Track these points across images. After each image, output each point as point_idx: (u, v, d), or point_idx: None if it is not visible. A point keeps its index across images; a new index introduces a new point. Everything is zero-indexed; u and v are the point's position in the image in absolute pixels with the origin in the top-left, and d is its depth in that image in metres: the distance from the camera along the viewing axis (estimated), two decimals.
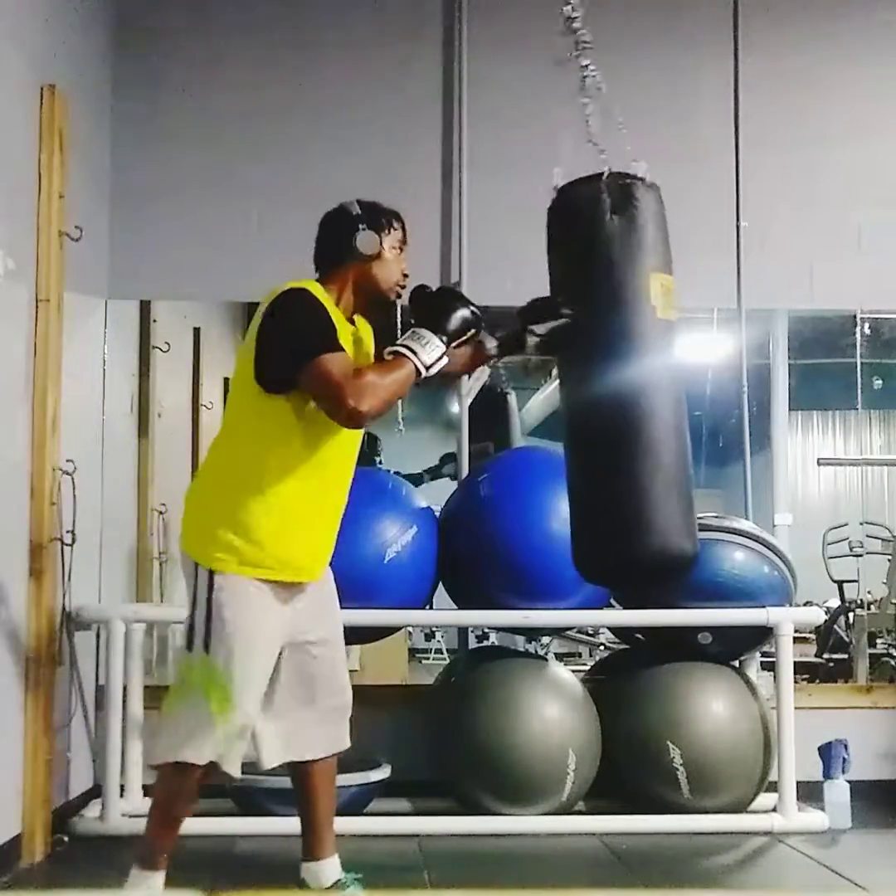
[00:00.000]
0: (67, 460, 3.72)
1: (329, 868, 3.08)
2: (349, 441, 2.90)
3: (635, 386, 2.83)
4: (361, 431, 2.90)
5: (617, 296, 2.93)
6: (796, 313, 6.30)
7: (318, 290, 2.87)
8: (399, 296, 2.92)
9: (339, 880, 3.07)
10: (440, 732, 4.16)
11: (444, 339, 2.71)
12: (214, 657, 2.75)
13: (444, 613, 4.60)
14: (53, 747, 3.66)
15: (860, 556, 6.88)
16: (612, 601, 4.34)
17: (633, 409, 2.86)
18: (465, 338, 2.77)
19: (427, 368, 2.68)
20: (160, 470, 5.33)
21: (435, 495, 4.70)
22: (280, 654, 2.89)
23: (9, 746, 3.45)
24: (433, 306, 2.77)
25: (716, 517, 4.39)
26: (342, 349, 2.72)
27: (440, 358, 2.70)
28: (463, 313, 2.75)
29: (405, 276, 2.93)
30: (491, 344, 2.95)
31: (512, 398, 5.33)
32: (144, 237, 4.63)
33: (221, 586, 2.75)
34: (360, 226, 2.91)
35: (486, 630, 6.41)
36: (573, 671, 4.38)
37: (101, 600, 4.27)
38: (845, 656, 6.69)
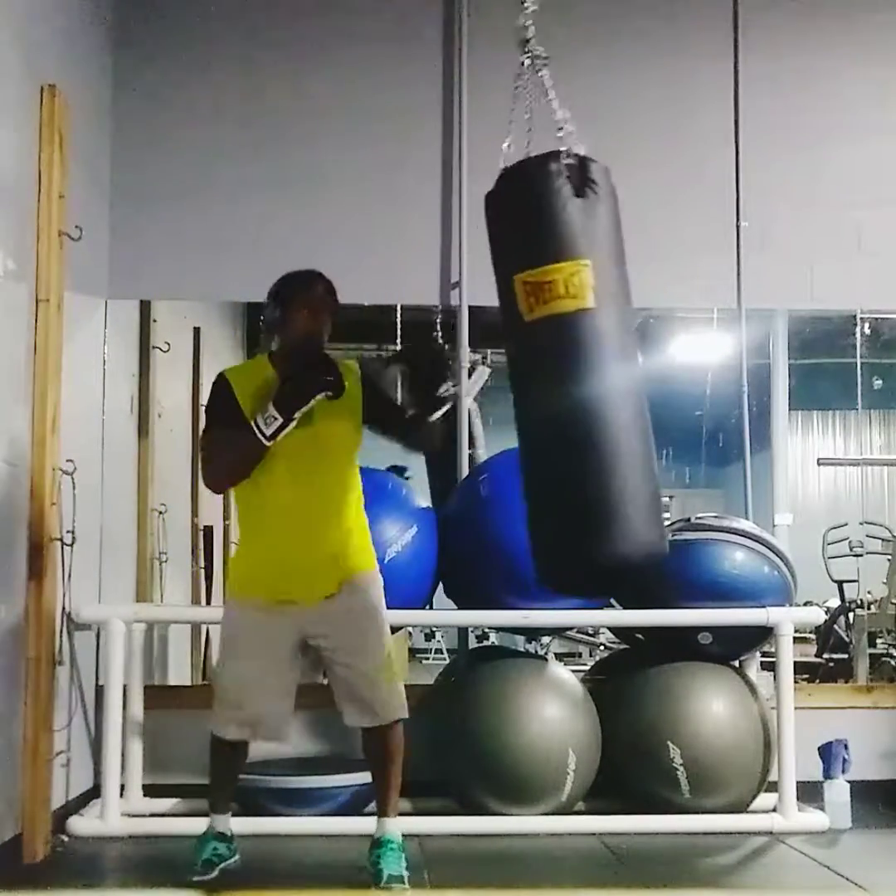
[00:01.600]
0: (67, 460, 3.72)
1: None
2: (298, 470, 3.21)
3: (583, 382, 2.79)
4: (313, 461, 3.22)
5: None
6: (796, 313, 6.30)
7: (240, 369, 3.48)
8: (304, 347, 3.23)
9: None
10: (440, 732, 4.15)
11: (281, 412, 3.11)
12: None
13: (444, 613, 4.60)
14: (53, 747, 3.66)
15: (860, 556, 6.88)
16: (612, 601, 4.34)
17: (587, 409, 2.78)
18: (305, 408, 3.13)
19: (267, 438, 3.12)
20: (160, 470, 5.33)
21: None
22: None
23: (9, 746, 3.45)
24: (292, 382, 3.15)
25: (716, 517, 4.39)
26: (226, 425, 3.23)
27: (280, 428, 3.11)
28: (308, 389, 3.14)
29: (307, 332, 3.25)
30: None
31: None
32: (144, 237, 4.63)
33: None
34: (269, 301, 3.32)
35: (486, 630, 6.42)
36: (573, 671, 4.39)
37: (101, 600, 4.27)
38: (845, 656, 6.69)
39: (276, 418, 3.11)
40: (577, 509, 2.77)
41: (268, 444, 3.13)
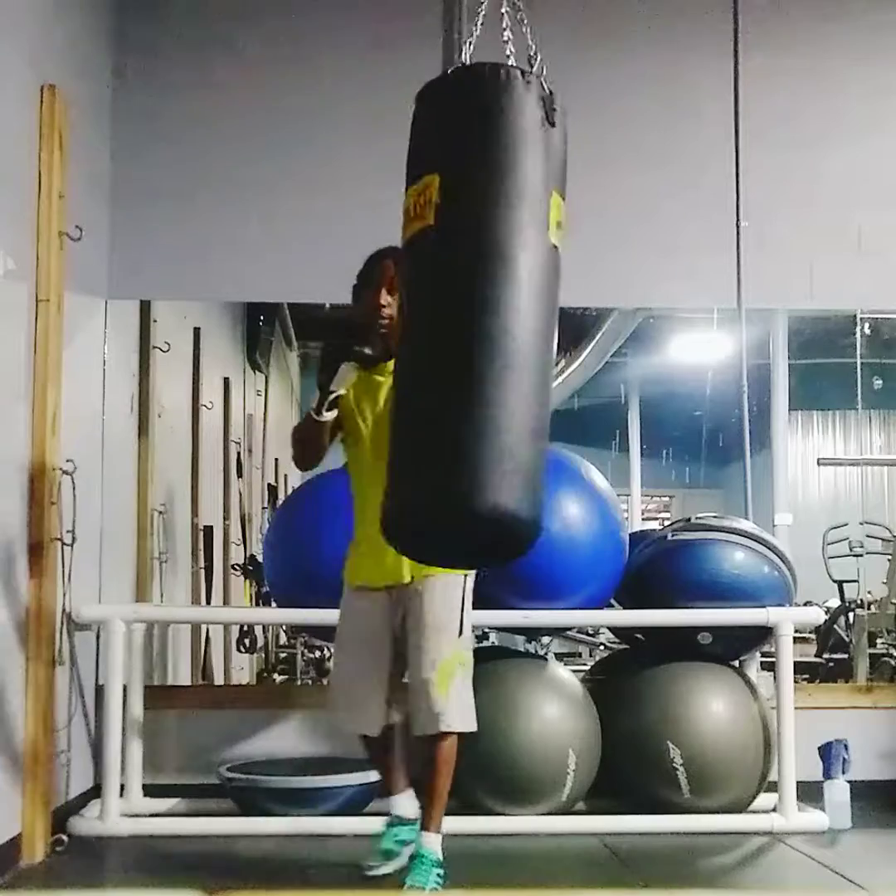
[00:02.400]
0: (67, 460, 3.72)
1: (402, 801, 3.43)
2: (379, 456, 2.98)
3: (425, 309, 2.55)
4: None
5: None
6: (796, 313, 6.31)
7: None
8: (381, 325, 3.20)
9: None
10: None
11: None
12: None
13: None
14: (53, 747, 3.66)
15: (860, 556, 6.88)
16: (613, 601, 4.35)
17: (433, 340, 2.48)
18: (339, 379, 3.15)
19: (316, 412, 3.17)
20: (160, 470, 5.33)
21: None
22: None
23: (9, 746, 3.45)
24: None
25: (716, 517, 4.39)
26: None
27: (321, 400, 3.15)
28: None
29: (380, 307, 3.20)
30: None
31: None
32: (144, 237, 4.63)
33: None
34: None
35: (486, 630, 6.41)
36: (573, 671, 4.39)
37: (101, 600, 4.27)
38: (845, 656, 6.69)
39: (319, 392, 3.14)
40: (416, 455, 2.48)
41: (318, 418, 3.16)
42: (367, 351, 3.12)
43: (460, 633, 3.21)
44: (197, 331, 6.43)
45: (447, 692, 3.15)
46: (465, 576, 3.26)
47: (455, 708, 3.16)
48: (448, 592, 3.22)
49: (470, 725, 3.22)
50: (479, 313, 2.47)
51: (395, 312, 3.05)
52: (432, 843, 3.19)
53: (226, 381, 7.59)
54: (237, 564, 7.29)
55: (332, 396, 3.15)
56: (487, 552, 2.63)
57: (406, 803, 3.41)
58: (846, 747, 4.09)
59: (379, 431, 3.14)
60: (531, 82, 2.71)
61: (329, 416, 3.19)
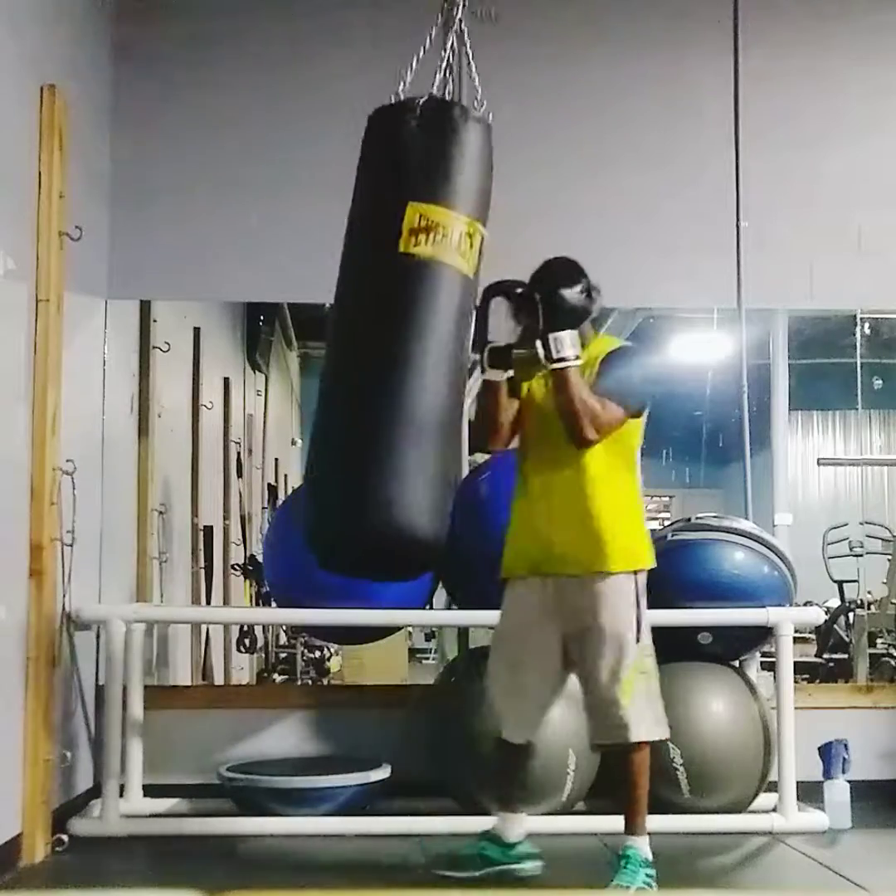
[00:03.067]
0: (67, 460, 3.72)
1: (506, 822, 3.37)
2: (550, 450, 3.17)
3: (414, 339, 2.68)
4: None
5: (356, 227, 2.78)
6: (796, 313, 6.31)
7: None
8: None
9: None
10: (440, 732, 4.15)
11: None
12: None
13: (444, 613, 4.60)
14: (53, 747, 3.66)
15: (860, 556, 6.88)
16: None
17: (401, 367, 2.64)
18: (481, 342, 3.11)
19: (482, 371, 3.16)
20: (160, 470, 5.33)
21: None
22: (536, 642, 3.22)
23: (9, 746, 3.45)
24: None
25: (716, 517, 4.39)
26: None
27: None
28: None
29: None
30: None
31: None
32: (144, 237, 4.62)
33: None
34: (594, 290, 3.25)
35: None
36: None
37: (101, 600, 4.27)
38: (845, 656, 6.69)
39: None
40: (346, 470, 2.63)
41: (484, 376, 3.14)
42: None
43: (639, 638, 3.14)
44: (197, 331, 6.43)
45: (631, 702, 3.10)
46: (636, 572, 3.17)
47: (641, 718, 3.12)
48: (620, 595, 3.14)
49: (660, 734, 3.19)
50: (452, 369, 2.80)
51: None
52: (638, 844, 3.16)
53: (226, 381, 7.59)
54: (237, 564, 7.29)
55: (489, 347, 3.05)
56: (391, 566, 2.91)
57: (509, 826, 3.36)
58: (846, 747, 4.09)
59: (536, 425, 3.21)
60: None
61: (495, 375, 3.12)
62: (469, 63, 3.10)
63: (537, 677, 3.26)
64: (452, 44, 3.05)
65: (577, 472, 3.16)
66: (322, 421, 2.80)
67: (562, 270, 3.22)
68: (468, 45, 3.12)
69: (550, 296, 3.11)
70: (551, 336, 3.04)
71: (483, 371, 3.13)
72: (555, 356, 3.04)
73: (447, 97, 3.01)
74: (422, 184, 2.70)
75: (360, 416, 2.62)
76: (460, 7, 3.09)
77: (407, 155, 2.74)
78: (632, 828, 3.19)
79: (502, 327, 3.10)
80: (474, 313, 3.02)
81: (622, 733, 3.12)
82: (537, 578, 3.22)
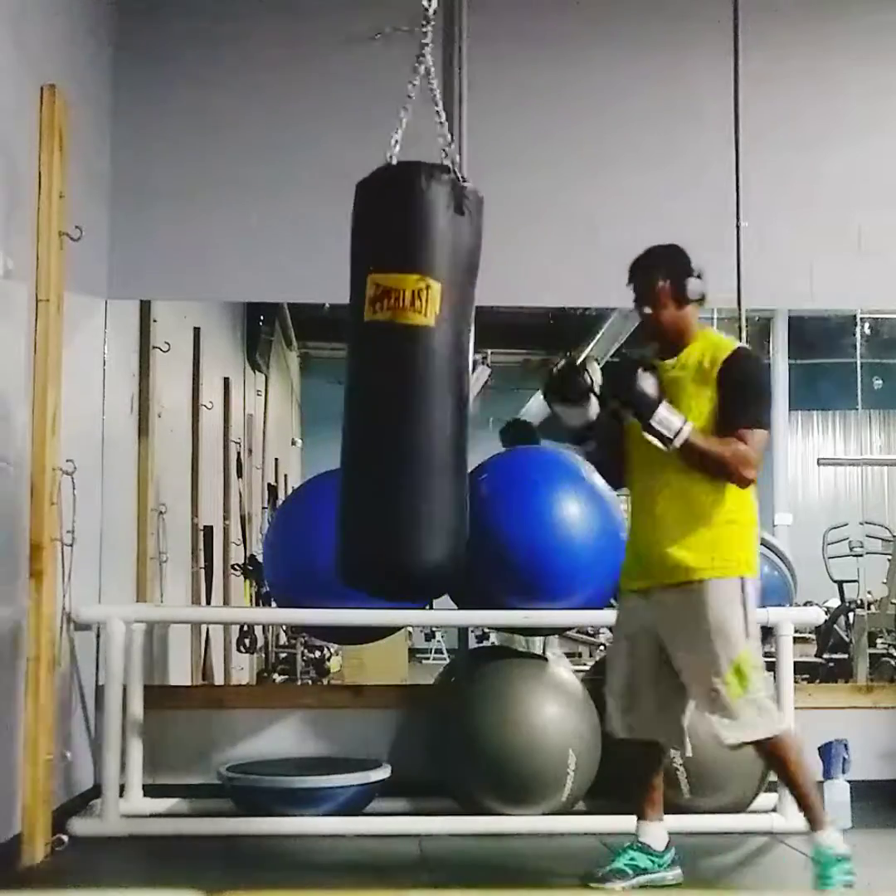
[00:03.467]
0: (67, 460, 3.72)
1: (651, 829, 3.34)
2: (648, 461, 3.20)
3: (407, 395, 2.96)
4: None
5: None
6: (796, 313, 6.31)
7: None
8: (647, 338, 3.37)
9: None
10: (440, 732, 4.15)
11: None
12: None
13: (444, 613, 4.60)
14: (53, 747, 3.66)
15: (860, 556, 6.89)
16: (613, 601, 4.34)
17: (403, 424, 2.95)
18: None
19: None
20: (160, 470, 5.33)
21: None
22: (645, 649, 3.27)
23: (9, 746, 3.45)
24: None
25: None
26: None
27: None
28: None
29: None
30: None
31: None
32: (144, 237, 4.62)
33: None
34: (695, 272, 3.28)
35: (486, 630, 6.42)
36: (573, 671, 4.38)
37: (101, 600, 4.27)
38: (845, 656, 6.69)
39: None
40: (373, 518, 2.96)
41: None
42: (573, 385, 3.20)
43: (747, 634, 3.14)
44: (197, 331, 6.44)
45: (742, 699, 3.11)
46: (743, 577, 3.15)
47: (754, 714, 3.13)
48: (724, 598, 3.13)
49: (778, 726, 3.18)
50: (453, 409, 3.04)
51: (661, 322, 3.25)
52: (825, 841, 3.14)
53: (226, 381, 7.60)
54: (237, 564, 7.30)
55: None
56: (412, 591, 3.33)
57: (654, 832, 3.33)
58: (846, 747, 4.09)
59: (640, 439, 3.17)
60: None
61: (586, 448, 3.34)
62: (437, 111, 3.25)
63: (650, 681, 3.26)
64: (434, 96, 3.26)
65: (679, 489, 3.17)
66: (345, 463, 3.10)
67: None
68: (437, 95, 3.28)
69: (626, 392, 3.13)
70: (654, 423, 3.07)
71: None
72: (671, 438, 3.07)
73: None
74: (377, 254, 2.96)
75: (376, 458, 2.99)
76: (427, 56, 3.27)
77: (365, 226, 3.02)
78: (812, 824, 3.18)
79: None
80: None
81: (734, 732, 3.15)
82: (645, 591, 3.26)
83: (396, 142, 3.16)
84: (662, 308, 3.24)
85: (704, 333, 3.28)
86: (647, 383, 3.09)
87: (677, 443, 3.07)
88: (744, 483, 3.13)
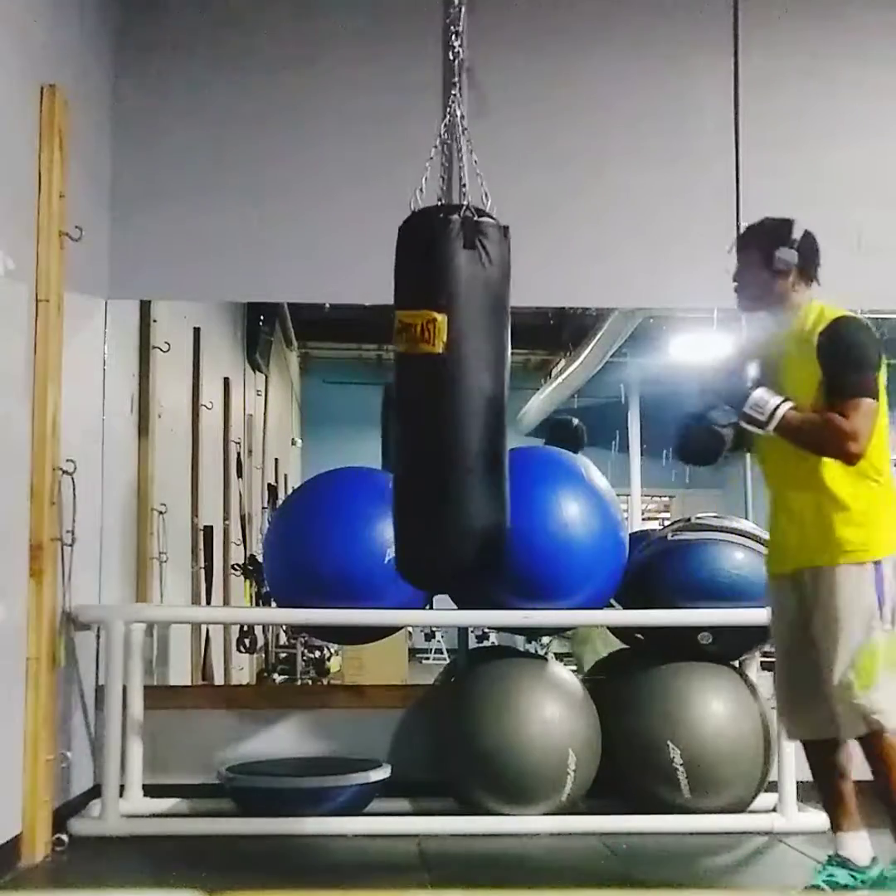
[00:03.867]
0: (67, 460, 3.72)
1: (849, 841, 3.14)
2: (772, 445, 3.14)
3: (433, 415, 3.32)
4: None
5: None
6: None
7: None
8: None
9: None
10: (440, 732, 4.16)
11: None
12: None
13: (444, 613, 4.60)
14: (53, 747, 3.66)
15: None
16: (613, 601, 4.35)
17: (436, 438, 3.30)
18: None
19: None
20: (160, 470, 5.33)
21: None
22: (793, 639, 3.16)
23: (9, 746, 3.45)
24: None
25: (716, 517, 4.39)
26: None
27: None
28: None
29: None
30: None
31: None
32: (144, 237, 4.62)
33: None
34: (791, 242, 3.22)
35: (486, 630, 6.42)
36: (573, 671, 4.39)
37: (101, 600, 4.27)
38: None
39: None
40: (422, 520, 3.31)
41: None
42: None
43: (883, 621, 2.99)
44: (197, 331, 6.44)
45: (870, 687, 2.95)
46: (877, 562, 3.01)
47: (884, 702, 2.95)
48: (851, 585, 3.00)
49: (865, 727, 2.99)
50: (483, 427, 3.34)
51: (758, 297, 3.22)
52: (842, 843, 3.08)
53: (226, 381, 7.60)
54: (237, 564, 7.30)
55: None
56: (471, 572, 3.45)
57: (853, 844, 3.13)
58: None
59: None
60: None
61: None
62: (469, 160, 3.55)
63: (806, 670, 3.10)
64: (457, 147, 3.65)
65: (805, 471, 3.07)
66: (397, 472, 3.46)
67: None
68: (467, 146, 3.62)
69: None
70: (747, 411, 3.03)
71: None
72: (766, 421, 3.02)
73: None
74: (400, 293, 3.36)
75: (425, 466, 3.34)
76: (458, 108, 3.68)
77: (395, 269, 3.39)
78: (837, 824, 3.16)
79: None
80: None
81: (866, 719, 2.98)
82: (784, 576, 3.17)
83: (421, 189, 3.44)
84: (754, 278, 3.19)
85: (814, 304, 3.16)
86: (742, 376, 3.07)
87: (773, 425, 3.00)
88: (850, 459, 2.98)
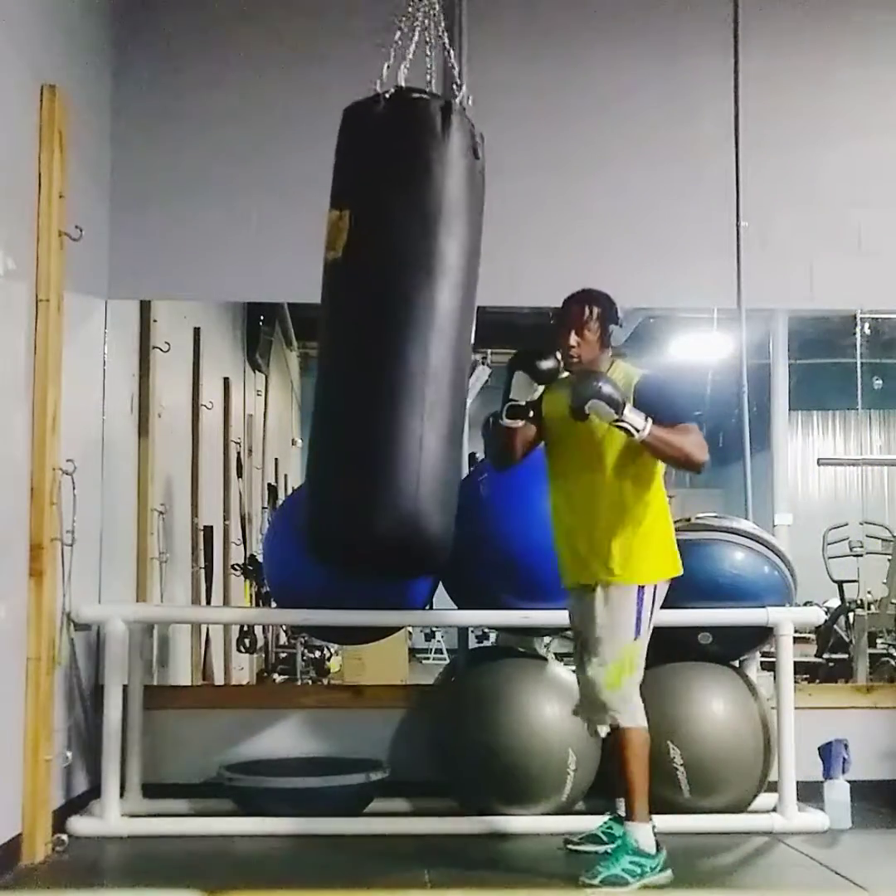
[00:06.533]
0: (67, 460, 3.72)
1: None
2: (561, 462, 3.50)
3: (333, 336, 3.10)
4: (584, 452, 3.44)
5: None
6: (796, 313, 6.30)
7: None
8: (569, 362, 3.48)
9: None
10: (440, 732, 4.16)
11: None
12: None
13: (445, 613, 4.59)
14: (53, 747, 3.66)
15: (860, 556, 6.88)
16: None
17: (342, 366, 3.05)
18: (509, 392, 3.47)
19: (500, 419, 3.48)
20: (160, 470, 5.33)
21: None
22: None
23: (9, 746, 3.45)
24: None
25: (716, 517, 4.39)
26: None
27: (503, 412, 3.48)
28: None
29: (568, 347, 3.47)
30: None
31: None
32: (144, 237, 4.62)
33: None
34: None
35: (486, 630, 6.41)
36: (573, 671, 4.38)
37: (101, 600, 4.27)
38: (845, 656, 6.69)
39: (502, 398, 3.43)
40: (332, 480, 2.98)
41: (501, 423, 3.45)
42: (542, 365, 3.36)
43: (636, 636, 3.41)
44: (197, 331, 6.43)
45: (616, 690, 3.38)
46: (642, 586, 3.41)
47: (621, 710, 3.37)
48: (627, 601, 3.40)
49: (638, 722, 3.39)
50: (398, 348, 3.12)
51: (582, 352, 3.44)
52: (637, 832, 3.32)
53: (226, 381, 7.59)
54: (237, 564, 7.29)
55: (508, 404, 3.39)
56: (396, 566, 3.19)
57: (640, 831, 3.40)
58: (846, 747, 4.09)
59: (563, 443, 3.48)
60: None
61: (511, 423, 3.43)
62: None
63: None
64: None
65: (595, 491, 3.43)
66: (319, 424, 3.22)
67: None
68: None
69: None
70: (623, 423, 3.25)
71: (501, 419, 3.46)
72: (639, 428, 3.26)
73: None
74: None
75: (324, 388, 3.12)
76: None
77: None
78: (627, 811, 3.40)
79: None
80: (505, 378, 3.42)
81: (607, 716, 3.40)
82: (574, 588, 3.57)
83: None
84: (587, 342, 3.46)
85: (619, 364, 3.52)
86: (614, 386, 3.27)
87: (645, 433, 3.26)
88: (701, 468, 3.41)
